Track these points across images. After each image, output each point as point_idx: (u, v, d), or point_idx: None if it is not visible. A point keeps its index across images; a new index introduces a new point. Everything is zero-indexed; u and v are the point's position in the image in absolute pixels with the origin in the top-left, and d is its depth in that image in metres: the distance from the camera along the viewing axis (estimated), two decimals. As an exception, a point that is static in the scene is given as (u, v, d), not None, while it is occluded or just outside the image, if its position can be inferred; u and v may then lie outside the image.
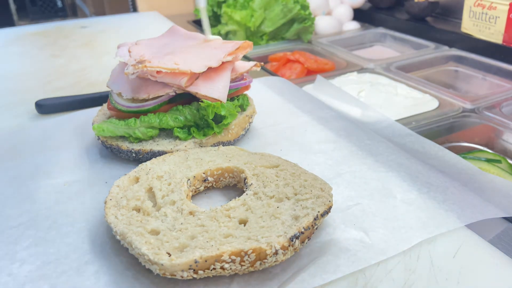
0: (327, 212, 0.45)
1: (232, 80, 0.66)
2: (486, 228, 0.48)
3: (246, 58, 1.11)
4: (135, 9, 1.82)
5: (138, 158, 0.61)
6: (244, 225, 0.44)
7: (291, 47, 1.32)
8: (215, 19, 1.46)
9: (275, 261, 0.41)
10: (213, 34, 1.36)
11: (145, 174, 0.52)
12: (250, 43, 0.65)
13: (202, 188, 0.54)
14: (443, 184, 0.55)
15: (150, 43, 0.65)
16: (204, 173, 0.54)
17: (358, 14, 1.53)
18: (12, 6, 3.83)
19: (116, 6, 2.22)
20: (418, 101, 0.93)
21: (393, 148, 0.64)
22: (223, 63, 0.62)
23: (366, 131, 0.69)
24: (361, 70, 1.13)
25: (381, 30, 1.45)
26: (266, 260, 0.40)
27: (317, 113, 0.76)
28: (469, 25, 1.18)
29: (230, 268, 0.40)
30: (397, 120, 0.82)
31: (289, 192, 0.48)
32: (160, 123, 0.61)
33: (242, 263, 0.40)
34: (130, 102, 0.62)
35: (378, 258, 0.43)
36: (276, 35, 1.35)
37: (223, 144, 0.64)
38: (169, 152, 0.59)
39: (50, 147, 0.68)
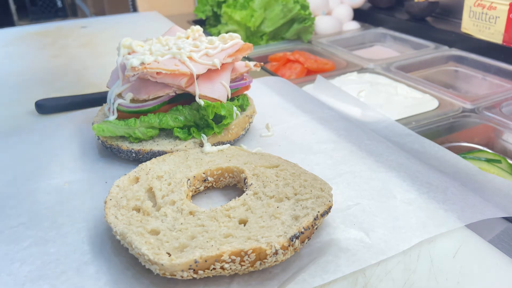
0: (327, 212, 0.45)
1: (232, 80, 0.66)
2: (486, 228, 0.48)
3: (246, 58, 1.11)
4: (135, 9, 1.82)
5: (138, 158, 0.61)
6: (244, 225, 0.44)
7: (291, 47, 1.32)
8: (215, 19, 1.46)
9: (275, 261, 0.41)
10: (213, 34, 1.37)
11: (145, 174, 0.52)
12: (250, 45, 0.65)
13: (202, 188, 0.54)
14: (443, 184, 0.55)
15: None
16: (204, 173, 0.54)
17: (358, 14, 1.53)
18: (12, 6, 3.83)
19: (116, 6, 2.22)
20: (418, 101, 0.93)
21: (393, 148, 0.64)
22: (223, 63, 0.62)
23: (366, 131, 0.69)
24: (361, 70, 1.13)
25: (381, 30, 1.45)
26: (266, 260, 0.40)
27: (317, 113, 0.76)
28: (469, 25, 1.18)
29: (230, 268, 0.40)
30: (397, 120, 0.82)
31: (289, 192, 0.48)
32: (160, 123, 0.61)
33: (242, 263, 0.40)
34: (130, 102, 0.62)
35: (378, 258, 0.43)
36: (276, 35, 1.35)
37: (223, 144, 0.64)
38: (169, 152, 0.59)
39: (50, 147, 0.68)
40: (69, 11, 4.57)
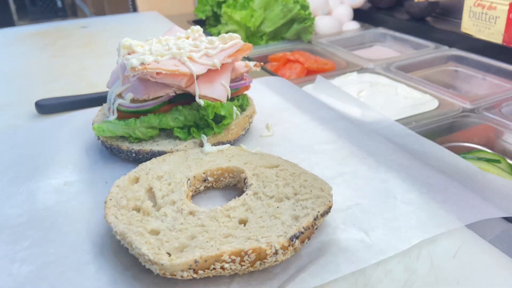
0: (327, 212, 0.45)
1: (232, 80, 0.66)
2: (486, 228, 0.48)
3: (246, 58, 1.11)
4: (135, 9, 1.82)
5: (138, 158, 0.61)
6: (244, 225, 0.44)
7: (291, 47, 1.32)
8: (215, 19, 1.46)
9: (275, 261, 0.41)
10: (213, 34, 1.37)
11: (145, 174, 0.52)
12: (250, 45, 0.65)
13: (202, 188, 0.54)
14: (443, 184, 0.55)
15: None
16: (204, 173, 0.54)
17: (358, 14, 1.53)
18: (12, 6, 3.83)
19: (116, 6, 2.22)
20: (418, 101, 0.93)
21: (393, 148, 0.64)
22: (223, 64, 0.62)
23: (366, 131, 0.69)
24: (361, 70, 1.13)
25: (381, 30, 1.45)
26: (266, 260, 0.40)
27: (317, 113, 0.76)
28: (469, 25, 1.18)
29: (230, 268, 0.40)
30: (397, 120, 0.82)
31: (289, 192, 0.48)
32: (160, 123, 0.61)
33: (242, 263, 0.40)
34: (130, 102, 0.62)
35: (378, 258, 0.43)
36: (276, 35, 1.35)
37: (223, 144, 0.64)
38: (169, 152, 0.59)
39: (50, 147, 0.68)
40: (69, 11, 4.57)
